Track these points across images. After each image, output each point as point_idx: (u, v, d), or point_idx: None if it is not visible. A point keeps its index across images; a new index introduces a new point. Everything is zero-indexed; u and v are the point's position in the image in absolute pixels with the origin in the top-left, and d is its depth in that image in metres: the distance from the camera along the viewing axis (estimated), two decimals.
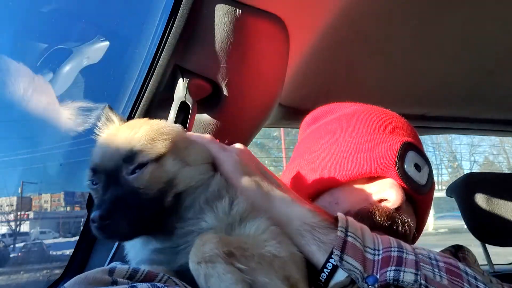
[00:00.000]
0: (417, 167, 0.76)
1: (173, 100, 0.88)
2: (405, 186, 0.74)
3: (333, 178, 0.76)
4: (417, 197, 0.78)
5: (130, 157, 0.57)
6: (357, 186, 0.75)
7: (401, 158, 0.74)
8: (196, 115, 0.96)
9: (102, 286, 0.43)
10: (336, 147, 0.79)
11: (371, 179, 0.76)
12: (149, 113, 0.92)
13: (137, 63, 0.93)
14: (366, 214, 0.69)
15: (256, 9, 0.79)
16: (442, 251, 0.81)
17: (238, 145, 0.70)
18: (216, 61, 0.86)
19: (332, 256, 0.53)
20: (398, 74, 1.38)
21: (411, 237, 0.75)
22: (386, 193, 0.72)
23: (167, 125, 0.65)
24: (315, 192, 0.78)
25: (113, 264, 0.56)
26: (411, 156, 0.76)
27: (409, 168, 0.75)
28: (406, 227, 0.71)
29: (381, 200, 0.73)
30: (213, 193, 0.60)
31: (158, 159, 0.59)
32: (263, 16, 0.81)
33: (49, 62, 1.12)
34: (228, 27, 0.79)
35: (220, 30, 0.80)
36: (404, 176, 0.74)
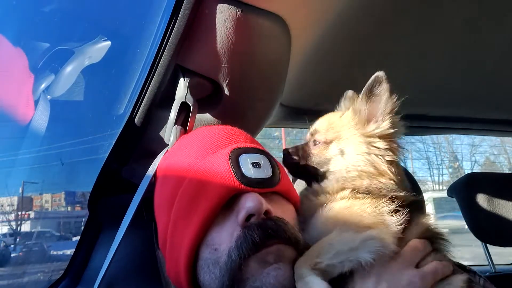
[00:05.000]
0: (256, 165, 0.71)
1: (174, 100, 0.89)
2: (255, 190, 0.68)
3: (195, 229, 0.68)
4: (277, 189, 0.73)
5: (312, 134, 0.89)
6: (220, 220, 0.69)
7: (237, 167, 0.69)
8: (198, 115, 0.96)
9: None
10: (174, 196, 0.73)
11: (228, 205, 0.69)
12: (150, 112, 0.92)
13: (139, 63, 0.93)
14: (244, 240, 0.64)
15: (257, 8, 0.79)
16: None
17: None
18: (217, 60, 0.86)
19: None
20: (398, 74, 1.38)
21: (293, 224, 0.71)
22: (244, 209, 0.66)
23: (346, 119, 0.86)
24: (190, 254, 0.69)
25: None
26: (244, 159, 0.71)
27: (249, 172, 0.69)
28: (281, 224, 0.67)
29: (248, 218, 0.66)
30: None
31: (328, 142, 0.84)
32: (265, 16, 0.81)
33: (51, 62, 1.12)
34: (230, 26, 0.79)
35: (222, 29, 0.80)
36: (248, 182, 0.68)
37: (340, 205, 0.73)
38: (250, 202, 0.66)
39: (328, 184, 0.81)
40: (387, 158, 0.79)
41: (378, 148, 0.80)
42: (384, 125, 0.80)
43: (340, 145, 0.83)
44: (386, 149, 0.80)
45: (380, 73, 0.81)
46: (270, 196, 0.72)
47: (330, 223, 0.71)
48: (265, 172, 0.72)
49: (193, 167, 0.74)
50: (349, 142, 0.82)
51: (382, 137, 0.81)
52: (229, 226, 0.68)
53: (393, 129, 0.80)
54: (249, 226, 0.65)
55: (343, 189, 0.78)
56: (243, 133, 0.85)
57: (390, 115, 0.80)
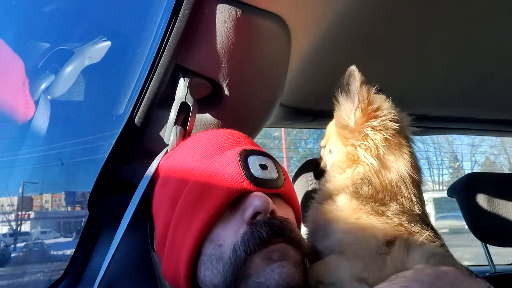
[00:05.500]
0: (263, 167, 0.74)
1: (174, 100, 0.89)
2: (262, 189, 0.71)
3: (200, 225, 0.69)
4: (281, 190, 0.76)
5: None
6: (225, 217, 0.70)
7: (246, 167, 0.71)
8: (198, 115, 0.96)
9: None
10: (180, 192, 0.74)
11: (234, 204, 0.71)
12: (150, 112, 0.92)
13: (139, 63, 0.93)
14: (251, 236, 0.66)
15: (257, 9, 0.79)
16: None
17: None
18: (217, 61, 0.86)
19: None
20: (399, 74, 1.38)
21: (295, 226, 0.74)
22: (252, 207, 0.68)
23: (333, 123, 0.91)
24: (194, 249, 0.70)
25: None
26: (252, 160, 0.74)
27: (257, 172, 0.72)
28: (286, 224, 0.69)
29: (254, 216, 0.68)
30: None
31: (325, 146, 0.94)
32: (265, 16, 0.81)
33: (51, 62, 1.12)
34: (230, 27, 0.79)
35: (222, 30, 0.80)
36: (256, 182, 0.71)
37: (362, 221, 0.72)
38: (257, 200, 0.68)
39: (322, 186, 0.85)
40: (363, 147, 0.79)
41: (347, 138, 0.82)
42: (357, 116, 0.81)
43: (329, 146, 0.91)
44: (357, 138, 0.80)
45: (351, 67, 0.84)
46: (274, 199, 0.74)
47: (348, 237, 0.71)
48: (272, 174, 0.75)
49: (200, 166, 0.75)
50: (333, 141, 0.89)
51: (356, 128, 0.81)
52: (234, 223, 0.69)
53: (367, 117, 0.81)
54: (256, 223, 0.67)
55: (336, 189, 0.80)
56: (248, 137, 0.87)
57: (363, 105, 0.81)
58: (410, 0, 1.00)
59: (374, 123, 0.80)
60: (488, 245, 1.69)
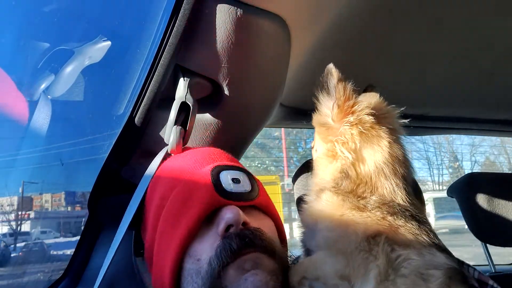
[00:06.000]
0: (235, 181, 0.77)
1: (174, 100, 0.89)
2: (235, 203, 0.74)
3: (178, 242, 0.72)
4: (255, 202, 0.79)
5: None
6: (202, 232, 0.73)
7: (218, 183, 0.74)
8: (198, 115, 0.96)
9: None
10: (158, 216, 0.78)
11: (210, 219, 0.74)
12: (150, 112, 0.92)
13: (139, 63, 0.93)
14: (223, 248, 0.68)
15: (257, 9, 0.79)
16: None
17: None
18: (217, 61, 0.86)
19: None
20: (399, 74, 1.38)
21: (269, 235, 0.75)
22: (224, 220, 0.70)
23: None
24: (175, 265, 0.73)
25: None
26: (225, 175, 0.77)
27: (229, 187, 0.75)
28: (258, 233, 0.72)
29: (227, 228, 0.71)
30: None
31: (313, 146, 0.93)
32: (265, 16, 0.81)
33: (51, 63, 1.12)
34: (230, 27, 0.79)
35: (222, 30, 0.80)
36: (228, 196, 0.74)
37: (344, 216, 0.72)
38: (229, 213, 0.71)
39: (310, 186, 0.86)
40: (340, 141, 0.79)
41: (326, 135, 0.83)
42: (334, 112, 0.81)
43: (315, 146, 0.91)
44: (335, 134, 0.80)
45: (329, 65, 0.85)
46: (249, 211, 0.77)
47: (331, 235, 0.72)
48: (244, 187, 0.78)
49: (177, 185, 0.78)
50: (316, 140, 0.89)
51: (334, 124, 0.81)
52: (210, 237, 0.72)
53: (345, 113, 0.80)
54: (228, 236, 0.69)
55: (320, 187, 0.80)
56: (224, 153, 0.90)
57: (340, 102, 0.80)
58: (410, 0, 1.00)
59: (351, 118, 0.80)
60: (488, 245, 1.69)
